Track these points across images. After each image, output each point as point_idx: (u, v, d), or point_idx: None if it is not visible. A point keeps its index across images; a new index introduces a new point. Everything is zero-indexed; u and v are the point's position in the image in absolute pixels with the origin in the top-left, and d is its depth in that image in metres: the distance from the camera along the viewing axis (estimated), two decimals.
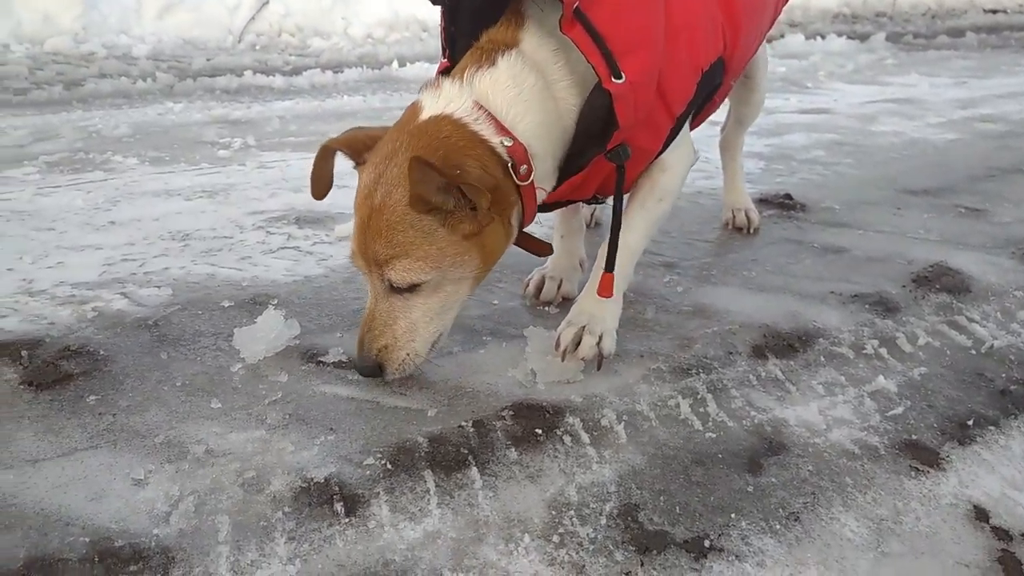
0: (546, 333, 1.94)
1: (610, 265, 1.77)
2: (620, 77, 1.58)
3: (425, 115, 1.64)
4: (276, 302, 2.09)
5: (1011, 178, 3.49)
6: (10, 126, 4.16)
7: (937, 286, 2.43)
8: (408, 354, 1.70)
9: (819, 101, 5.07)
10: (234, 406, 1.71)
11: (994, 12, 10.81)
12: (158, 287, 2.21)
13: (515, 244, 1.82)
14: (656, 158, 1.88)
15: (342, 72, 6.10)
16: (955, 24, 9.79)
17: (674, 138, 1.87)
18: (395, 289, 1.64)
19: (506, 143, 1.64)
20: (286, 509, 1.44)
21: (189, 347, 1.93)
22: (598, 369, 1.87)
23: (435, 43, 7.63)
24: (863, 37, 8.24)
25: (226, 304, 2.12)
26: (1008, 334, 2.18)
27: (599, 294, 1.79)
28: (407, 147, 1.59)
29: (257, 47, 7.37)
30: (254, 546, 1.35)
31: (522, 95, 1.66)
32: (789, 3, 2.47)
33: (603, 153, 1.69)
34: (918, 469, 1.65)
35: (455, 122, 1.62)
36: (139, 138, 3.99)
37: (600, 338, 1.84)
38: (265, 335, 1.86)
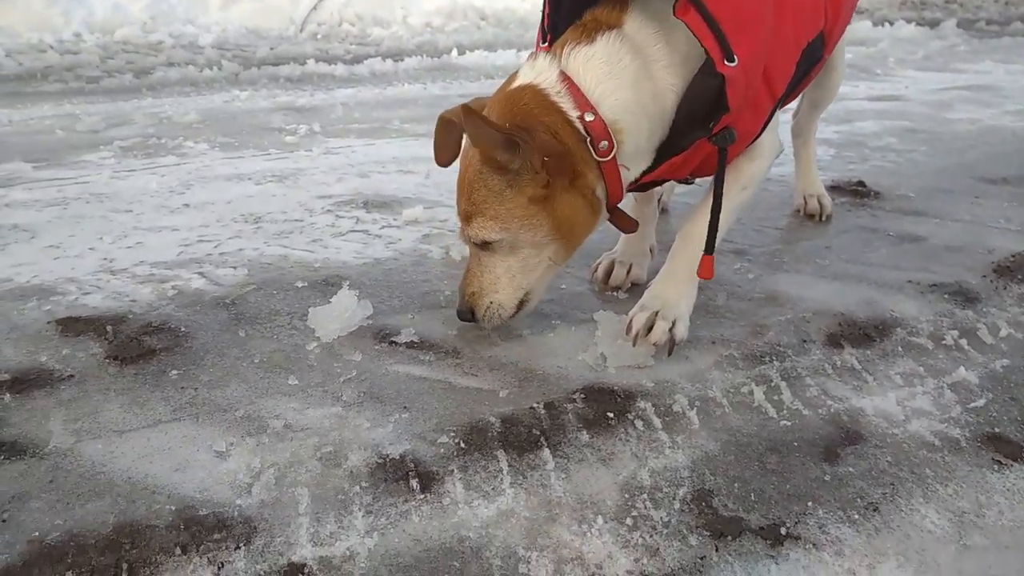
0: (616, 318, 1.93)
1: (710, 247, 1.77)
2: (733, 60, 1.58)
3: (515, 84, 1.71)
4: (348, 283, 2.12)
5: None
6: (84, 112, 4.30)
7: (1019, 276, 2.34)
8: (492, 303, 1.82)
9: (889, 88, 4.94)
10: (310, 383, 1.74)
11: None
12: (234, 267, 2.26)
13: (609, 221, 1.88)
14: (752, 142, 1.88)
15: (402, 61, 6.15)
16: None
17: (771, 120, 1.87)
18: (479, 245, 1.77)
19: (588, 117, 1.66)
20: (363, 484, 1.46)
21: (266, 325, 1.97)
22: (669, 355, 1.86)
23: (493, 31, 7.63)
24: (932, 24, 7.99)
25: (300, 284, 2.16)
26: None
27: (700, 275, 1.80)
28: (491, 112, 1.69)
29: (319, 36, 7.47)
30: (332, 518, 1.38)
31: (614, 73, 1.68)
32: None
33: (708, 136, 1.70)
34: (1001, 463, 1.61)
35: (537, 91, 1.67)
36: (208, 124, 4.08)
37: (673, 324, 1.84)
38: (339, 314, 1.89)
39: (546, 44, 1.78)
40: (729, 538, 1.40)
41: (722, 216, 1.81)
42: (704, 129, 1.70)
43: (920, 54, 6.28)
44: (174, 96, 4.90)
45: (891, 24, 7.67)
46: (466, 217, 1.75)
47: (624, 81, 1.68)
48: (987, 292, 2.26)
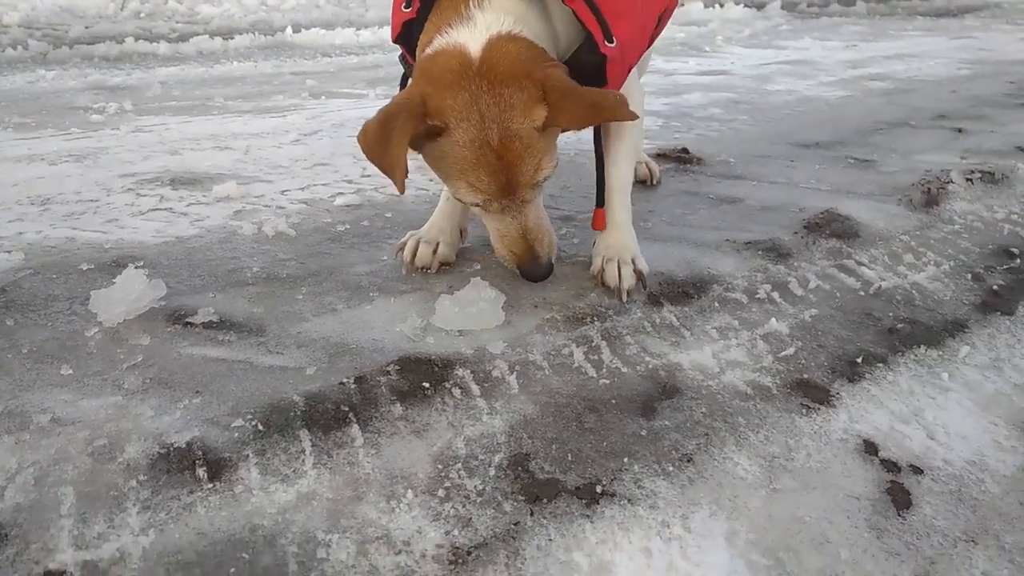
0: (449, 299, 1.84)
1: (600, 200, 1.97)
2: (612, 41, 1.73)
3: (477, 45, 1.64)
4: (141, 263, 1.93)
5: (898, 131, 3.58)
6: None
7: (827, 232, 2.45)
8: (553, 237, 1.89)
9: (716, 64, 5.12)
10: (87, 372, 1.56)
11: None
12: (8, 252, 2.01)
13: None
14: None
15: (232, 39, 5.82)
16: None
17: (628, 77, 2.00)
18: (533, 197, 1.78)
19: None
20: (141, 477, 1.31)
21: (40, 312, 1.75)
22: (644, 288, 2.01)
23: (332, 10, 7.37)
24: (759, 6, 8.39)
25: (85, 267, 1.95)
26: (895, 276, 2.21)
27: (594, 227, 1.98)
28: (495, 81, 1.61)
29: (142, 14, 6.98)
30: (102, 518, 1.22)
31: (527, 15, 1.72)
32: None
33: None
34: (809, 407, 1.64)
35: (512, 37, 1.65)
36: (4, 105, 3.68)
37: (633, 262, 2.00)
38: (125, 296, 1.71)
39: (410, 9, 1.78)
40: (545, 501, 1.35)
41: (624, 162, 2.03)
42: None
43: (746, 33, 6.57)
44: None
45: (721, 6, 7.99)
46: (534, 172, 1.70)
47: (539, 25, 1.75)
48: (798, 248, 2.34)
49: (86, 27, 6.29)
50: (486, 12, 1.67)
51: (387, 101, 4.01)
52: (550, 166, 1.74)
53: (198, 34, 6.00)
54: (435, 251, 2.08)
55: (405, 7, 1.80)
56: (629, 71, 1.97)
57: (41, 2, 6.84)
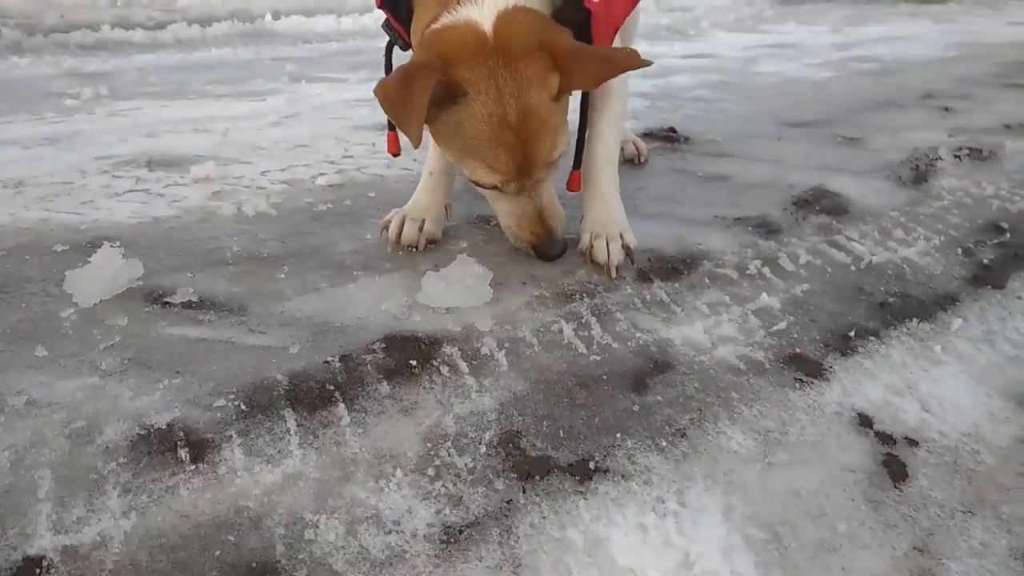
0: (435, 276, 1.81)
1: (577, 162, 1.94)
2: None
3: (488, 22, 1.61)
4: (118, 243, 1.88)
5: (885, 110, 3.56)
6: None
7: (817, 208, 2.43)
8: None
9: (702, 47, 5.09)
10: (63, 353, 1.51)
11: None
12: None
13: None
14: None
15: (210, 26, 5.73)
16: None
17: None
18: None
19: None
20: (121, 459, 1.26)
21: (13, 294, 1.70)
22: (633, 263, 1.99)
23: None
24: None
25: (59, 248, 1.89)
26: (885, 251, 2.19)
27: (568, 188, 1.97)
28: (506, 57, 1.59)
29: (118, 3, 6.85)
30: (81, 501, 1.18)
31: None
32: None
33: None
34: (802, 380, 1.62)
35: (522, 10, 1.64)
36: None
37: (622, 237, 1.98)
38: (100, 275, 1.66)
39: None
40: (537, 478, 1.32)
41: (609, 134, 2.00)
42: None
43: (731, 18, 6.55)
44: None
45: None
46: (550, 151, 1.69)
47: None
48: (788, 223, 2.31)
49: (61, 15, 6.18)
50: None
51: (371, 84, 3.95)
52: (564, 143, 1.72)
53: (176, 22, 5.90)
54: (421, 228, 2.03)
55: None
56: (615, 32, 1.95)
57: None
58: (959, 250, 2.23)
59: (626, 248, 1.98)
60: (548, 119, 1.64)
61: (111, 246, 1.77)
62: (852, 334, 1.79)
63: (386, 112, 1.61)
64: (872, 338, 1.79)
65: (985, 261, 2.17)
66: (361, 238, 2.04)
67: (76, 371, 1.46)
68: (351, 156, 2.67)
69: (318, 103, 3.44)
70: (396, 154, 1.96)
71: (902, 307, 1.93)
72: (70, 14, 6.26)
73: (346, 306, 1.74)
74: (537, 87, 1.60)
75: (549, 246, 1.84)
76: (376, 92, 1.57)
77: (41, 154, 2.61)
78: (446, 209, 2.11)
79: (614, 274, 1.94)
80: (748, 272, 2.02)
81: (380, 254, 1.98)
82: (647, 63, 1.61)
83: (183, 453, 1.29)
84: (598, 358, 1.63)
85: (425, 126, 1.63)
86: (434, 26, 1.64)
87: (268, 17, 6.12)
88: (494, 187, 1.73)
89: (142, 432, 1.32)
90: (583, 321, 1.75)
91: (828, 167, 2.78)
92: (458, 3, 1.63)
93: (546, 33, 1.63)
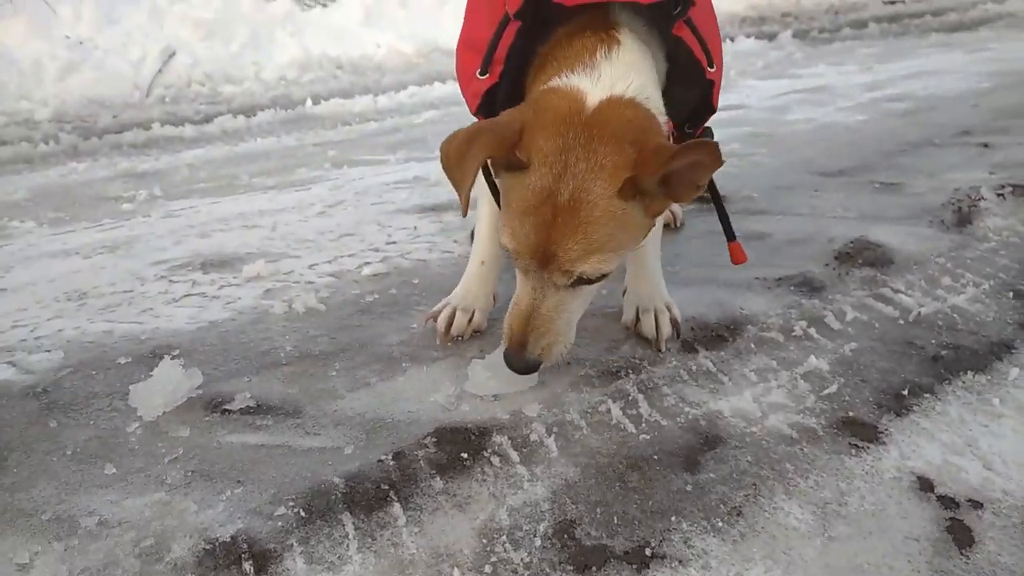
0: (481, 364, 1.83)
1: (730, 233, 1.85)
2: (713, 66, 1.71)
3: (595, 97, 1.53)
4: (177, 352, 1.96)
5: (922, 151, 3.53)
6: None
7: (860, 261, 2.41)
8: (565, 345, 1.65)
9: (732, 99, 5.11)
10: (130, 469, 1.57)
11: (892, 3, 11.16)
12: (49, 351, 2.05)
13: None
14: None
15: (255, 116, 5.97)
16: (857, 17, 10.07)
17: None
18: (571, 284, 1.56)
19: (663, 119, 1.63)
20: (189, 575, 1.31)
21: (81, 411, 1.78)
22: (679, 337, 1.99)
23: (349, 79, 7.53)
24: (771, 36, 8.41)
25: (123, 361, 1.98)
26: (934, 300, 2.17)
27: (735, 261, 1.84)
28: (591, 137, 1.48)
29: (167, 99, 7.18)
30: None
31: (649, 76, 1.63)
32: None
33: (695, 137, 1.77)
34: (858, 446, 1.60)
35: (633, 103, 1.54)
36: (38, 201, 3.79)
37: (668, 310, 1.98)
38: (162, 388, 1.73)
39: (489, 75, 1.69)
40: (594, 569, 1.32)
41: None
42: (685, 133, 1.79)
43: (760, 64, 6.58)
44: (4, 175, 4.55)
45: (732, 40, 8.02)
46: (576, 258, 1.50)
47: (655, 86, 1.64)
48: (831, 279, 2.30)
49: (114, 116, 6.49)
50: (614, 65, 1.57)
51: (409, 164, 4.02)
52: (598, 262, 1.51)
53: (222, 114, 6.16)
54: (471, 319, 2.02)
55: (481, 74, 1.69)
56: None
57: (70, 95, 7.08)
58: (1010, 294, 2.19)
59: (673, 321, 1.98)
60: (599, 217, 1.47)
61: (171, 358, 1.85)
62: (906, 392, 1.77)
63: (443, 168, 1.55)
64: (927, 395, 1.76)
65: None
66: (407, 328, 2.09)
67: (143, 487, 1.52)
68: (394, 242, 2.75)
69: (360, 188, 3.55)
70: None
71: (955, 359, 1.90)
72: (122, 113, 6.57)
73: (396, 400, 1.78)
74: (606, 179, 1.47)
75: (511, 354, 1.61)
76: (440, 147, 1.53)
77: (101, 262, 2.74)
78: (494, 298, 2.10)
79: (664, 348, 1.95)
80: (794, 334, 2.02)
81: (426, 343, 2.02)
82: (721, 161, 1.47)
83: (248, 566, 1.32)
84: (648, 437, 1.64)
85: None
86: (544, 86, 1.59)
87: (308, 103, 6.35)
88: (511, 256, 1.60)
89: (207, 547, 1.36)
90: (630, 399, 1.76)
91: (868, 216, 2.76)
92: (572, 71, 1.57)
93: (649, 136, 1.51)
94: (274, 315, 2.20)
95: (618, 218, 1.49)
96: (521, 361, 1.61)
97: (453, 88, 6.56)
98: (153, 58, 7.48)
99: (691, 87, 1.73)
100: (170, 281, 2.50)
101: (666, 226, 2.72)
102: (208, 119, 6.05)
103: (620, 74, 1.56)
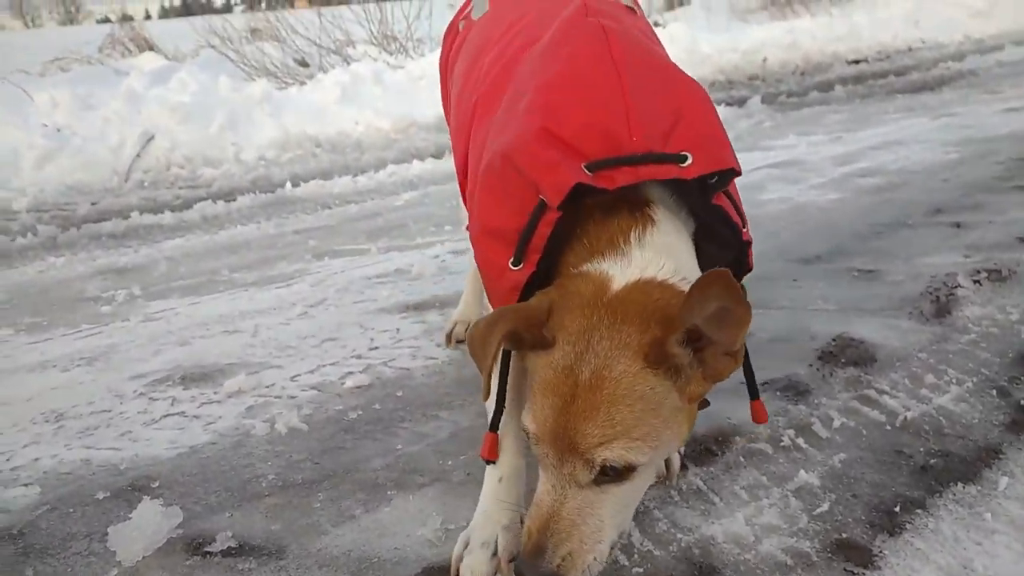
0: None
1: (754, 392, 1.67)
2: (746, 225, 1.70)
3: (621, 280, 1.47)
4: (157, 484, 1.92)
5: (896, 233, 3.59)
6: None
7: (843, 360, 2.42)
8: (595, 558, 1.42)
9: None
10: None
11: (856, 62, 11.50)
12: (26, 485, 2.00)
13: None
14: None
15: (235, 200, 5.98)
16: (823, 78, 10.32)
17: None
18: (595, 480, 1.41)
19: None
20: None
21: (58, 556, 1.72)
22: (685, 469, 1.93)
23: (328, 157, 7.60)
24: (740, 102, 8.60)
25: (101, 496, 1.92)
26: (919, 402, 2.17)
27: (756, 420, 1.66)
28: (616, 317, 1.41)
29: (145, 184, 7.19)
30: None
31: (686, 256, 1.59)
32: None
33: None
34: (853, 572, 1.58)
35: (662, 285, 1.48)
36: (15, 304, 3.75)
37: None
38: (142, 531, 1.68)
39: (523, 265, 1.56)
40: None
41: None
42: None
43: (732, 134, 6.68)
44: None
45: None
46: (597, 444, 1.36)
47: (694, 266, 1.60)
48: (815, 382, 2.31)
49: (92, 203, 6.48)
50: (646, 249, 1.51)
51: (391, 254, 4.00)
52: (623, 449, 1.37)
53: (202, 199, 6.17)
54: (495, 552, 1.63)
55: (514, 264, 1.57)
56: None
57: (48, 183, 7.07)
58: (994, 391, 2.20)
59: (680, 455, 1.93)
60: (622, 395, 1.37)
61: (150, 498, 1.80)
62: (897, 509, 1.76)
63: (470, 353, 1.51)
64: (919, 510, 1.75)
65: (1022, 402, 2.14)
66: (392, 450, 2.07)
67: None
68: (376, 347, 2.73)
69: (341, 283, 3.54)
70: (489, 461, 1.68)
71: (944, 468, 1.89)
72: (102, 200, 6.57)
73: (383, 535, 1.74)
74: (630, 356, 1.38)
75: (524, 564, 1.42)
76: (467, 333, 1.50)
77: (79, 376, 2.70)
78: (520, 519, 1.64)
79: (675, 484, 1.88)
80: (782, 444, 2.01)
81: (411, 467, 1.99)
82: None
83: None
84: (640, 570, 1.61)
85: None
86: (574, 270, 1.54)
87: (288, 185, 6.39)
88: (531, 442, 1.47)
89: None
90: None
91: (847, 308, 2.79)
92: (603, 256, 1.52)
93: (679, 312, 1.39)
94: (256, 437, 2.17)
95: (646, 398, 1.39)
96: (535, 571, 1.40)
97: (432, 165, 6.63)
98: (132, 143, 7.52)
99: (727, 249, 1.69)
100: (149, 399, 2.46)
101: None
102: (188, 204, 6.06)
103: (651, 258, 1.51)
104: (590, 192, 1.49)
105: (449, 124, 2.45)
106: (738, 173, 1.59)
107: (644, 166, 1.53)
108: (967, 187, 4.23)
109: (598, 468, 1.38)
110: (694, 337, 1.39)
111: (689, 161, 1.52)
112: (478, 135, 1.88)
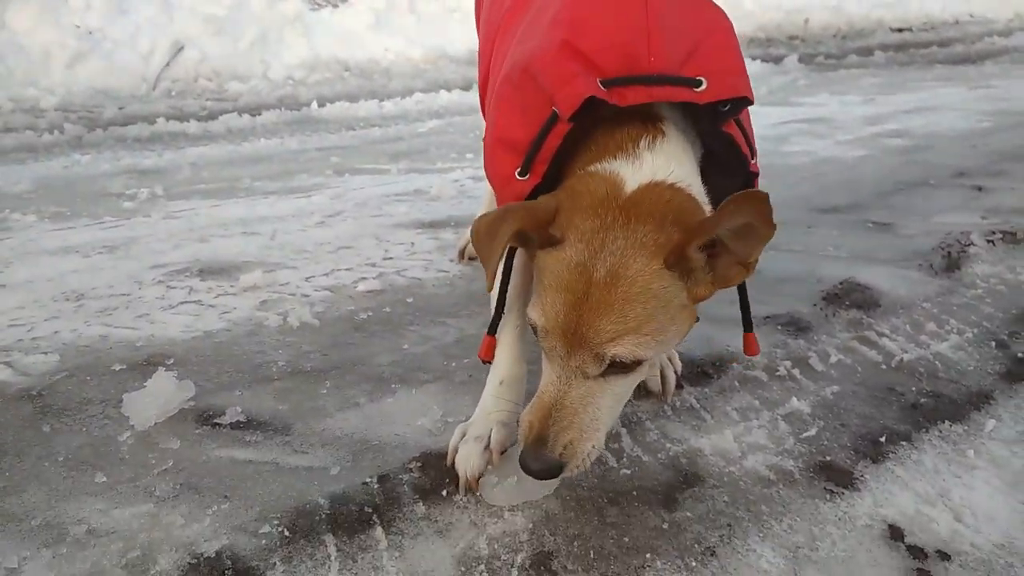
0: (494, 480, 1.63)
1: (748, 324, 1.72)
2: (754, 158, 1.69)
3: (633, 181, 1.48)
4: (171, 361, 1.99)
5: (917, 191, 3.58)
6: None
7: (847, 302, 2.45)
8: (594, 446, 1.46)
9: None
10: (120, 479, 1.60)
11: (900, 31, 11.26)
12: (45, 353, 2.08)
13: None
14: None
15: (260, 115, 6.00)
16: (864, 43, 10.15)
17: None
18: (602, 373, 1.44)
19: (706, 208, 1.55)
20: None
21: (74, 417, 1.81)
22: (681, 388, 1.99)
23: (356, 82, 7.58)
24: (777, 59, 8.48)
25: (117, 367, 2.01)
26: (917, 347, 2.21)
27: (747, 352, 1.73)
28: (630, 217, 1.42)
29: (173, 93, 7.21)
30: None
31: (691, 167, 1.59)
32: None
33: None
34: (833, 491, 1.64)
35: (673, 187, 1.49)
36: (40, 193, 3.82)
37: (671, 361, 1.99)
38: (155, 399, 1.76)
39: (530, 176, 1.59)
40: None
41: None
42: None
43: (764, 90, 6.63)
44: (8, 164, 4.58)
45: None
46: (609, 339, 1.39)
47: (697, 177, 1.60)
48: (817, 320, 2.34)
49: (119, 108, 6.52)
50: (656, 155, 1.52)
51: (411, 176, 4.03)
52: (633, 344, 1.39)
53: (227, 111, 6.19)
54: (487, 446, 1.65)
55: (521, 174, 1.59)
56: None
57: (77, 85, 7.10)
58: (993, 343, 2.23)
59: (676, 374, 1.99)
60: (637, 293, 1.38)
61: (165, 369, 1.88)
62: (883, 439, 1.80)
63: (473, 245, 1.53)
64: (904, 443, 1.80)
65: (1020, 354, 2.17)
66: (399, 348, 2.13)
67: (132, 498, 1.55)
68: (391, 258, 2.78)
69: (360, 199, 3.59)
70: (487, 361, 1.72)
71: (934, 408, 1.94)
72: (128, 106, 6.60)
73: (384, 422, 1.81)
74: (647, 255, 1.39)
75: (528, 455, 1.43)
76: (473, 224, 1.52)
77: (100, 263, 2.77)
78: (516, 420, 1.67)
79: (670, 401, 1.94)
80: (778, 373, 2.05)
81: (416, 365, 2.06)
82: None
83: None
84: (628, 472, 1.67)
85: None
86: (581, 171, 1.54)
87: (314, 104, 6.39)
88: (539, 336, 1.48)
89: (193, 561, 1.39)
90: (613, 432, 1.79)
91: (858, 256, 2.81)
92: (617, 157, 1.52)
93: (690, 215, 1.45)
94: (269, 328, 2.24)
95: (659, 296, 1.41)
96: (539, 461, 1.42)
97: (459, 96, 6.61)
98: (162, 51, 7.51)
99: (733, 177, 1.68)
100: (167, 286, 2.53)
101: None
102: (213, 116, 6.08)
103: (661, 164, 1.51)
104: (603, 109, 1.51)
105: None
106: (751, 102, 1.60)
107: (658, 87, 1.54)
108: (994, 154, 4.19)
109: (608, 362, 1.41)
110: (710, 243, 1.42)
111: (703, 86, 1.54)
112: (501, 48, 1.90)
